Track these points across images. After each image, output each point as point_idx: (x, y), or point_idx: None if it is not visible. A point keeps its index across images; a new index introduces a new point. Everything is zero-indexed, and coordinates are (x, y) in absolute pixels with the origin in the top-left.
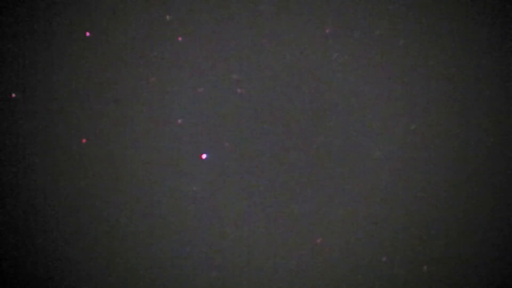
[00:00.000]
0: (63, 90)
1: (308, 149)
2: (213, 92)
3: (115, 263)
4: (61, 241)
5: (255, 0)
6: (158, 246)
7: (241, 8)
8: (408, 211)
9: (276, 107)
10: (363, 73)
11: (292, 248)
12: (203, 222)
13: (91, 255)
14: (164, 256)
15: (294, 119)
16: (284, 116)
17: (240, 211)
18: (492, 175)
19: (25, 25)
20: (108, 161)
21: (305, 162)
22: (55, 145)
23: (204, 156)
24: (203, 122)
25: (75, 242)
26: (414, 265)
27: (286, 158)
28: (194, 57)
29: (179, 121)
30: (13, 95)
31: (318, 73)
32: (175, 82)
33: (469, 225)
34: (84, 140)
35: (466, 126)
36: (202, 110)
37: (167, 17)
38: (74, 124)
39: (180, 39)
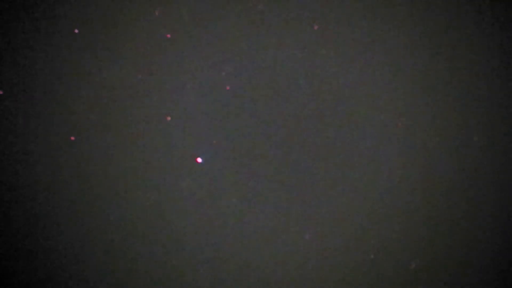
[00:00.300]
0: (51, 87)
1: (297, 146)
2: (202, 89)
3: (103, 259)
4: (48, 238)
5: None
6: (145, 242)
7: (230, 6)
8: (395, 208)
9: (265, 104)
10: (353, 70)
11: (281, 244)
12: (194, 219)
13: (80, 252)
14: (152, 252)
15: (282, 116)
16: (272, 113)
17: (229, 207)
18: (486, 174)
19: (13, 23)
20: (97, 159)
21: (294, 159)
22: (43, 142)
23: (199, 160)
24: (192, 119)
25: (63, 239)
26: (402, 262)
27: (274, 155)
28: (183, 54)
29: (168, 118)
30: (0, 92)
31: (307, 70)
32: (163, 79)
33: (457, 222)
34: (72, 138)
35: (462, 124)
36: (191, 107)
37: (156, 13)
38: (62, 121)
39: (168, 35)
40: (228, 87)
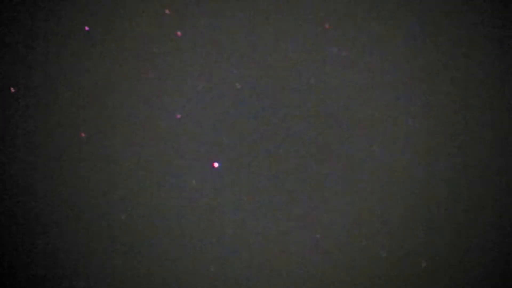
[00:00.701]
0: (62, 84)
1: (307, 144)
2: (212, 87)
3: (114, 258)
4: (58, 236)
5: None
6: (156, 242)
7: (241, 3)
8: (406, 206)
9: (275, 103)
10: (363, 69)
11: (291, 243)
12: (203, 217)
13: (90, 253)
14: (162, 252)
15: (293, 115)
16: (283, 112)
17: (238, 207)
18: (492, 172)
19: (24, 20)
20: (107, 155)
21: (303, 157)
22: (53, 139)
23: (216, 164)
24: (201, 117)
25: (73, 238)
26: (413, 261)
27: (284, 154)
28: (193, 52)
29: (178, 116)
30: (12, 89)
31: (317, 69)
32: (174, 77)
33: (468, 221)
34: (83, 134)
35: (466, 123)
36: (200, 105)
37: (167, 11)
38: (73, 118)
39: (179, 34)
40: (238, 85)
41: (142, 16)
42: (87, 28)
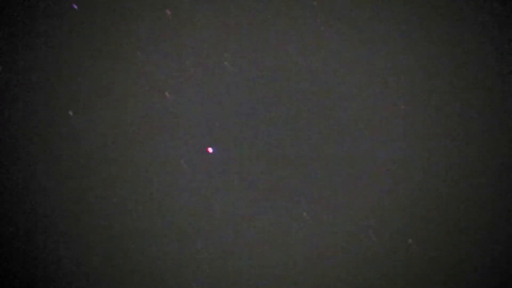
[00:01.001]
0: (50, 62)
1: (302, 125)
2: (201, 66)
3: (105, 246)
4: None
5: None
6: (147, 226)
7: None
8: (394, 185)
9: (263, 82)
10: (352, 48)
11: (283, 226)
12: (192, 198)
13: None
14: (154, 236)
15: (280, 94)
16: (271, 91)
17: (227, 189)
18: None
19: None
20: (95, 132)
21: (290, 140)
22: (41, 118)
23: (210, 149)
24: (190, 95)
25: (64, 222)
26: (400, 238)
27: (272, 135)
28: (183, 31)
29: (167, 93)
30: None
31: (306, 47)
32: (162, 55)
33: (454, 199)
34: (70, 113)
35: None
36: (189, 83)
37: None
38: (61, 97)
39: (168, 11)
40: (226, 63)
41: None
42: (74, 5)
